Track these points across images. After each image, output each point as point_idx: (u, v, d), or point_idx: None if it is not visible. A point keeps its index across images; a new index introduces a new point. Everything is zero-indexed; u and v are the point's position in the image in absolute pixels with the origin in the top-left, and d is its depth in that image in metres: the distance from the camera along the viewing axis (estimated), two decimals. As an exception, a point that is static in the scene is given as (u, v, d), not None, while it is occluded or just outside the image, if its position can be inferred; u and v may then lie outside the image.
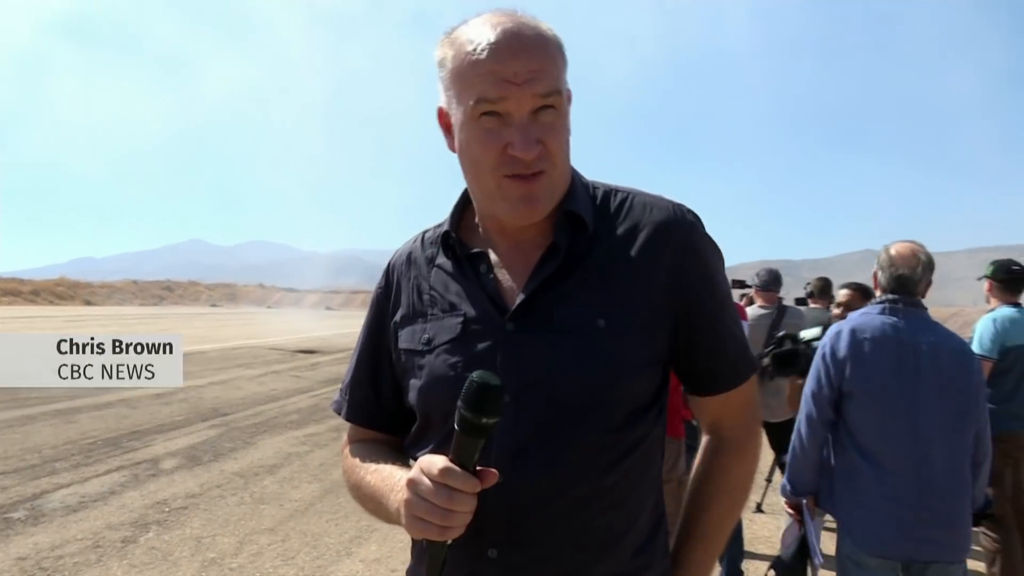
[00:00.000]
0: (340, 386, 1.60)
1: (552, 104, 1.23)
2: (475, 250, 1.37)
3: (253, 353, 22.39)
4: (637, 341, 1.27)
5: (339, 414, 1.58)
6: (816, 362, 3.20)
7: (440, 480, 1.10)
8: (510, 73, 1.20)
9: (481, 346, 1.30)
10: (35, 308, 64.61)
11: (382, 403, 1.50)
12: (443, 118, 1.33)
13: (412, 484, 1.15)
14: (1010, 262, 5.26)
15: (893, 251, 3.25)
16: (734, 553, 5.05)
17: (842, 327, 3.17)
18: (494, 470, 1.14)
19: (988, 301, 5.26)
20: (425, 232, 1.51)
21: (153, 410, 11.38)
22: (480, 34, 1.23)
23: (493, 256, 1.37)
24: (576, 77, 1.33)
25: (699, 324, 1.34)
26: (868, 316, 3.16)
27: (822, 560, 3.27)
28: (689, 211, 1.37)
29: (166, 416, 10.92)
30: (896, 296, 3.15)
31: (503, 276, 1.35)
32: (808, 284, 7.34)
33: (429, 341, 1.36)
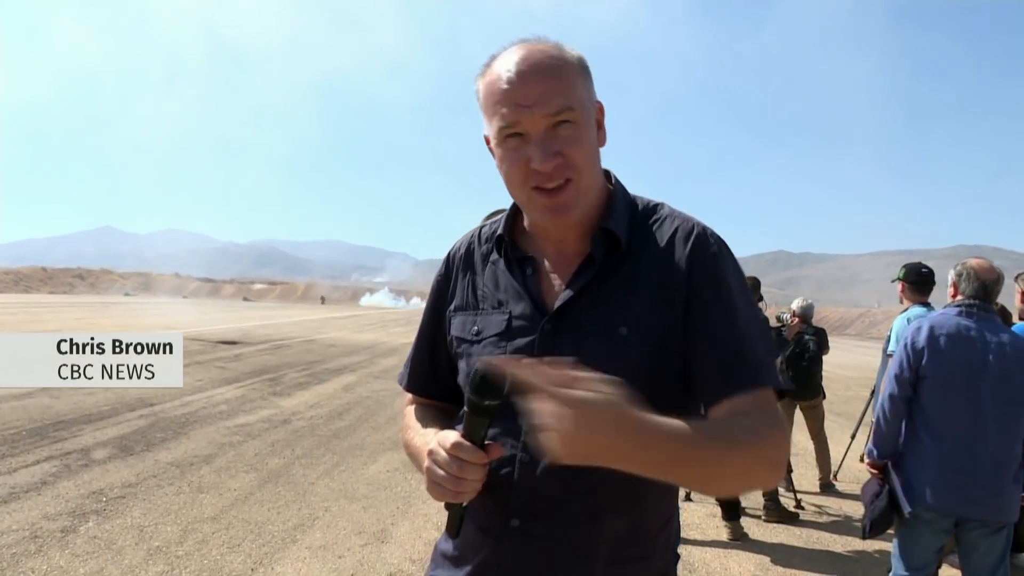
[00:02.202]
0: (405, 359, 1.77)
1: (567, 119, 1.36)
2: (526, 254, 1.53)
3: (174, 343, 21.93)
4: (654, 349, 1.37)
5: (401, 384, 1.76)
6: (899, 351, 3.92)
7: (453, 452, 1.30)
8: (521, 97, 1.35)
9: (522, 341, 1.45)
10: (-63, 295, 62.14)
11: (438, 376, 1.68)
12: (487, 143, 1.48)
13: (431, 455, 1.35)
14: (920, 265, 5.75)
15: (974, 264, 3.91)
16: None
17: (923, 323, 3.87)
18: (499, 445, 1.33)
19: (901, 301, 5.73)
20: (481, 228, 1.67)
21: (77, 400, 11.11)
22: (500, 65, 1.39)
23: (540, 261, 1.52)
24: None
25: (701, 330, 1.38)
26: (946, 316, 3.85)
27: (911, 510, 3.83)
28: (711, 231, 1.46)
29: (91, 406, 10.67)
30: (973, 301, 3.81)
31: (547, 280, 1.49)
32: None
33: (478, 333, 1.52)
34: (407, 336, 31.62)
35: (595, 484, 1.36)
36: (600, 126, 1.45)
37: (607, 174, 1.54)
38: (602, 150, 1.47)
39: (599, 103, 1.45)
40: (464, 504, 1.39)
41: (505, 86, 1.36)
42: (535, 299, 1.46)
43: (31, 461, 7.44)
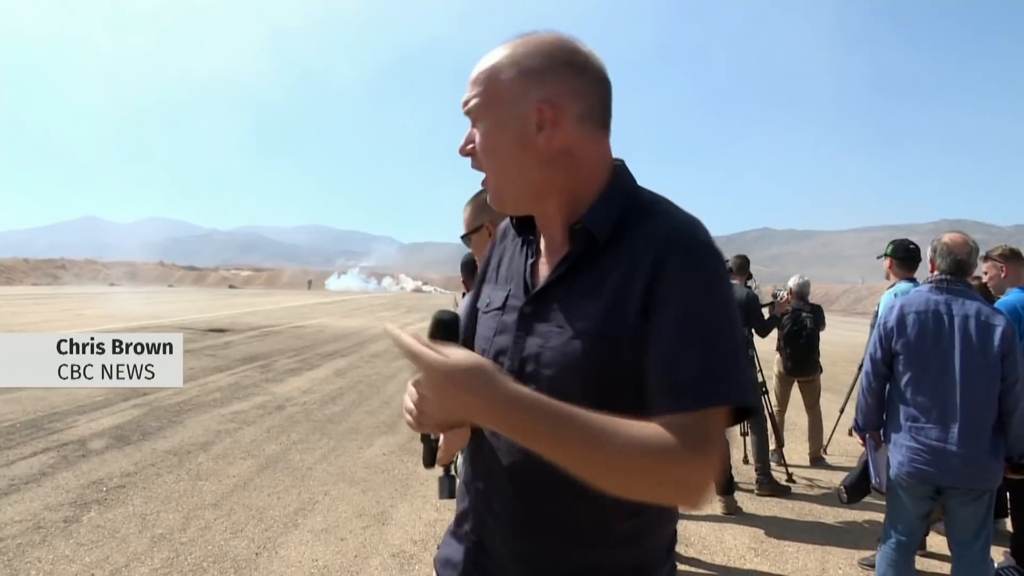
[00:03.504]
0: None
1: (475, 117, 1.46)
2: (531, 238, 1.59)
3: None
4: (607, 348, 1.35)
5: None
6: (875, 330, 4.19)
7: (415, 385, 1.41)
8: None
9: (507, 319, 1.53)
10: (-80, 289, 61.70)
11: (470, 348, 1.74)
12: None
13: (407, 393, 1.47)
14: (907, 241, 5.86)
15: (947, 239, 4.04)
16: None
17: (896, 303, 4.06)
18: None
19: (888, 277, 5.84)
20: None
21: (70, 391, 11.12)
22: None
23: (540, 245, 1.57)
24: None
25: (655, 338, 1.31)
26: (919, 293, 4.03)
27: (879, 481, 4.17)
28: (699, 227, 1.39)
29: (85, 397, 10.69)
30: (946, 276, 3.95)
31: (540, 265, 1.54)
32: (728, 260, 7.73)
33: (487, 305, 1.62)
34: (395, 320, 31.66)
35: (550, 470, 1.25)
36: (541, 128, 1.40)
37: (615, 167, 1.50)
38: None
39: (545, 104, 1.39)
40: (432, 437, 1.71)
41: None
42: (526, 281, 1.53)
43: (28, 453, 7.47)
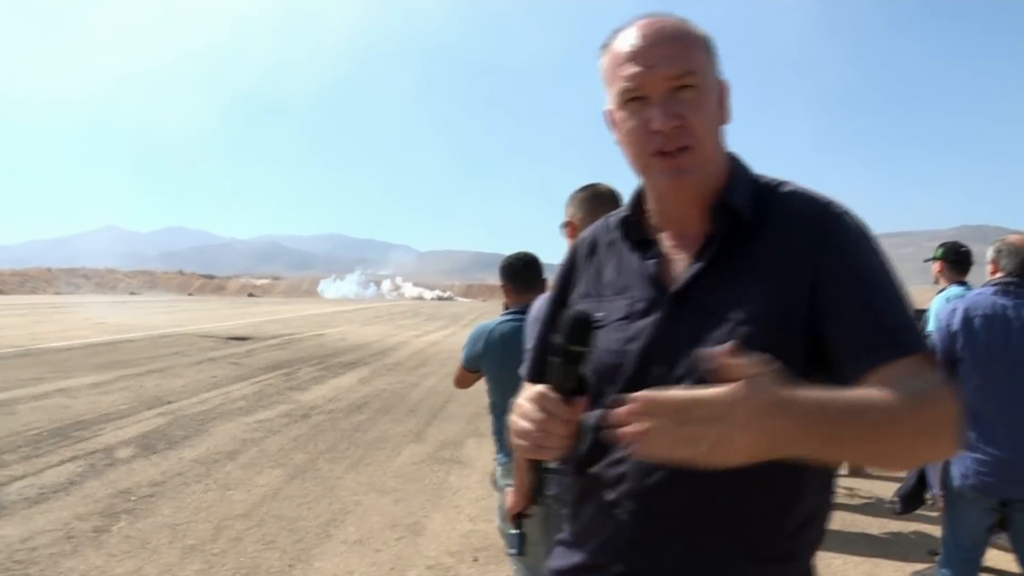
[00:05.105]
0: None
1: (689, 83, 1.35)
2: (648, 237, 1.50)
3: (184, 341, 21.96)
4: (776, 329, 1.32)
5: (523, 376, 1.76)
6: (935, 334, 3.90)
7: (538, 402, 1.28)
8: (643, 59, 1.36)
9: (641, 324, 1.42)
10: (-56, 298, 62.25)
11: None
12: (607, 117, 1.48)
13: (516, 407, 1.33)
14: (957, 244, 5.73)
15: (1014, 240, 3.83)
16: None
17: (957, 304, 3.81)
18: (583, 400, 1.30)
19: (937, 281, 5.68)
20: (609, 216, 1.64)
21: (94, 399, 11.11)
22: (622, 36, 1.41)
23: (662, 243, 1.49)
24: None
25: (839, 307, 1.31)
26: (982, 295, 3.77)
27: (937, 491, 3.92)
28: (842, 206, 1.42)
29: (109, 405, 10.67)
30: (1011, 279, 3.72)
31: (669, 262, 1.46)
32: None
33: (602, 319, 1.47)
34: (416, 328, 31.64)
35: (725, 469, 1.24)
36: (723, 104, 1.43)
37: (731, 157, 1.49)
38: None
39: (723, 81, 1.44)
40: (548, 465, 1.36)
41: (628, 49, 1.38)
42: (656, 281, 1.43)
43: (56, 461, 7.41)
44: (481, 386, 3.96)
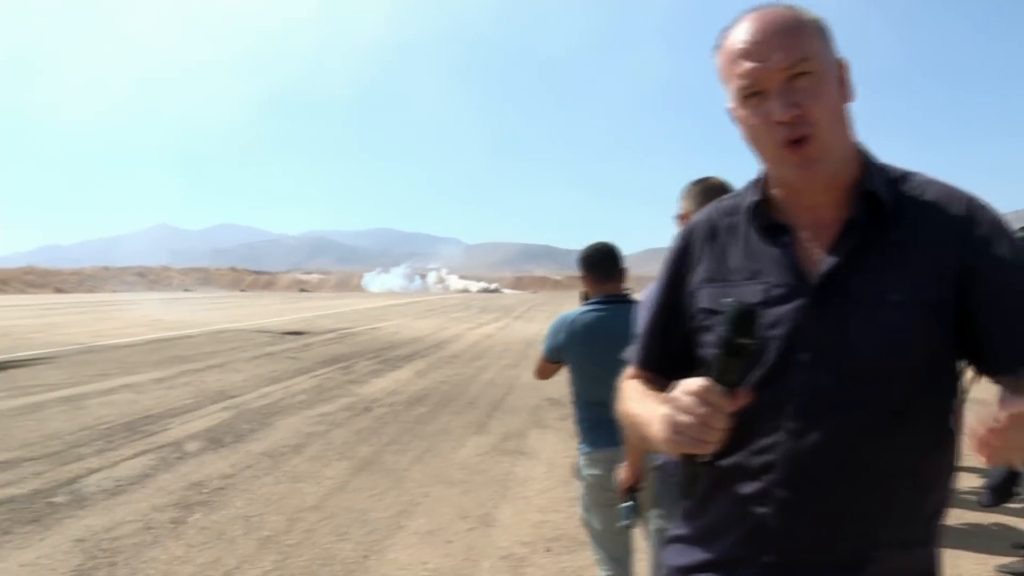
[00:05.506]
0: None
1: (804, 71, 1.34)
2: (779, 222, 1.47)
3: (241, 336, 22.30)
4: (928, 316, 1.32)
5: (632, 362, 1.72)
6: None
7: (700, 395, 1.23)
8: (755, 54, 1.36)
9: (781, 310, 1.39)
10: (6, 298, 63.92)
11: (670, 353, 1.62)
12: (730, 115, 1.47)
13: (672, 400, 1.27)
14: None
15: None
16: None
17: None
18: (747, 391, 1.27)
19: None
20: (721, 200, 1.63)
21: (159, 394, 11.33)
22: (733, 33, 1.41)
23: (795, 229, 1.46)
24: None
25: (994, 297, 1.32)
26: None
27: None
28: (979, 198, 1.41)
29: (174, 400, 10.87)
30: None
31: (803, 248, 1.43)
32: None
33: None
34: (469, 321, 31.74)
35: (877, 450, 1.33)
36: (844, 83, 1.41)
37: (857, 144, 1.48)
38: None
39: (842, 60, 1.42)
40: (704, 459, 1.30)
41: (740, 47, 1.38)
42: (794, 267, 1.41)
43: (129, 455, 7.57)
44: (541, 379, 3.97)
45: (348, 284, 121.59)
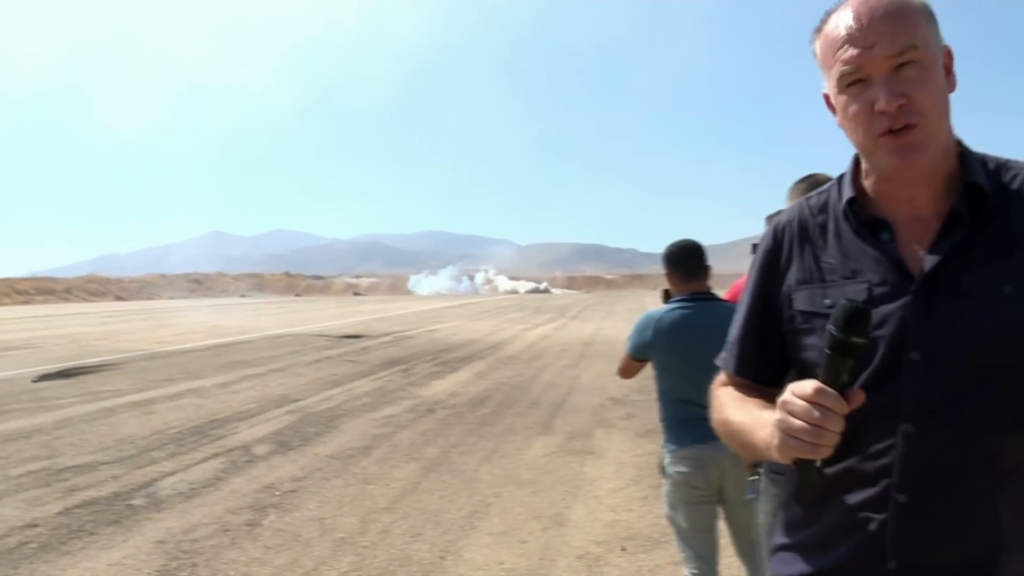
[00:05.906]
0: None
1: (911, 59, 1.30)
2: (876, 217, 1.42)
3: (300, 340, 22.54)
4: None
5: (726, 369, 1.66)
6: None
7: (813, 399, 1.19)
8: (860, 40, 1.31)
9: (887, 309, 1.34)
10: (70, 306, 65.44)
11: (767, 358, 1.58)
12: (828, 101, 1.45)
13: (784, 405, 1.23)
14: None
15: None
16: None
17: None
18: (861, 392, 1.22)
19: None
20: (809, 198, 1.57)
21: (224, 399, 11.49)
22: (836, 17, 1.37)
23: (894, 224, 1.41)
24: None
25: None
26: None
27: None
28: None
29: (239, 404, 11.01)
30: None
31: (904, 244, 1.38)
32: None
33: (832, 305, 1.39)
34: (524, 322, 31.71)
35: (998, 448, 1.28)
36: (949, 71, 1.36)
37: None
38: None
39: (947, 47, 1.37)
40: (819, 464, 1.26)
41: (844, 32, 1.34)
42: (898, 264, 1.36)
43: (200, 458, 7.68)
44: (597, 378, 3.92)
45: (400, 287, 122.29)
